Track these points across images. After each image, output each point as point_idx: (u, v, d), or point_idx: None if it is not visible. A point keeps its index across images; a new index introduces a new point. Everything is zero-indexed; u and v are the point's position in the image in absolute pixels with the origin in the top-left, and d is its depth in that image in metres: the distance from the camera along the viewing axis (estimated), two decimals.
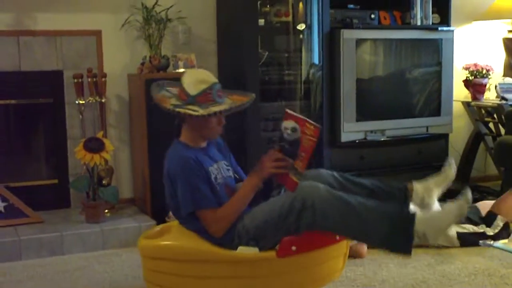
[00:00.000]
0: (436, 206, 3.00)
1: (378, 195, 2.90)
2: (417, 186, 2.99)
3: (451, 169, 3.10)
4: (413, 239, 2.66)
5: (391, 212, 2.69)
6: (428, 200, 2.98)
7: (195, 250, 2.74)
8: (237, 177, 3.01)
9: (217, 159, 2.91)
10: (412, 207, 2.91)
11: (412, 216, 2.67)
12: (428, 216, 2.70)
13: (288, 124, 2.74)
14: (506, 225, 3.98)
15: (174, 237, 2.87)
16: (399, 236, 2.65)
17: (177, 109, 2.74)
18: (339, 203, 2.66)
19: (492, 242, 3.95)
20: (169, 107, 2.77)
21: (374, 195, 2.87)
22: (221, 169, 2.88)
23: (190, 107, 2.73)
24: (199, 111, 2.71)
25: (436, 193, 3.03)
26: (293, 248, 2.70)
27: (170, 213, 3.68)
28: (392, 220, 2.66)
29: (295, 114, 2.78)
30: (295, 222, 2.67)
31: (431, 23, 4.97)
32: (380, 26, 4.84)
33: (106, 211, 4.27)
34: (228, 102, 2.82)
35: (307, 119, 2.73)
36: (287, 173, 2.72)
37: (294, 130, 2.72)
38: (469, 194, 2.70)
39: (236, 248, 2.73)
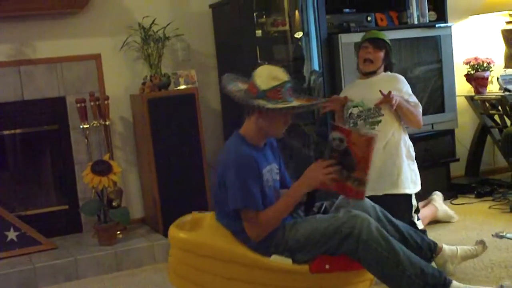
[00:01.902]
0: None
1: (409, 243, 2.93)
2: (446, 250, 3.11)
3: (483, 249, 3.22)
4: None
5: (429, 273, 2.72)
6: (449, 266, 3.13)
7: (229, 251, 2.74)
8: (282, 181, 2.99)
9: (270, 161, 2.88)
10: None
11: (448, 284, 2.71)
12: None
13: (335, 135, 2.75)
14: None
15: (209, 233, 2.84)
16: None
17: (250, 101, 2.70)
18: (385, 245, 2.69)
19: (504, 233, 3.93)
20: (242, 98, 2.73)
21: (405, 242, 2.90)
22: (272, 172, 2.85)
23: (259, 101, 2.69)
24: (268, 105, 2.67)
25: (458, 263, 3.18)
26: (327, 266, 2.73)
27: None
28: (428, 281, 2.69)
29: (340, 125, 2.87)
30: (337, 246, 2.70)
31: (428, 21, 4.98)
32: (378, 28, 4.84)
33: (118, 232, 4.28)
34: (296, 102, 2.78)
35: (355, 129, 2.79)
36: (345, 183, 2.71)
37: (341, 140, 2.73)
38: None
39: (269, 256, 2.74)
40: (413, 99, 3.80)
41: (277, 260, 2.73)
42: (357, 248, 2.67)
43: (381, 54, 3.85)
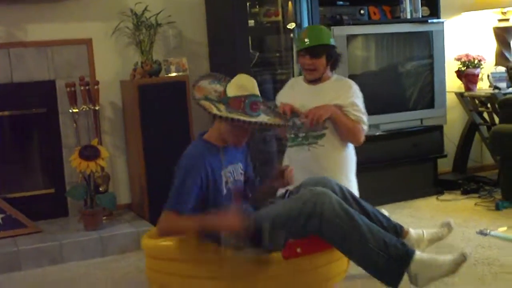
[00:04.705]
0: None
1: (374, 223, 2.90)
2: (412, 234, 3.05)
3: (448, 231, 3.15)
4: (403, 276, 2.70)
5: (392, 244, 2.71)
6: (416, 249, 3.02)
7: (197, 250, 2.74)
8: (248, 181, 3.00)
9: (234, 160, 2.88)
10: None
11: (411, 255, 2.70)
12: (426, 260, 2.71)
13: None
14: None
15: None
16: (392, 270, 2.69)
17: (201, 101, 2.72)
18: (347, 219, 2.69)
19: (488, 231, 3.96)
20: (196, 96, 2.74)
21: (371, 222, 2.88)
22: (234, 172, 2.86)
23: (218, 105, 2.71)
24: (221, 112, 2.68)
25: (425, 247, 3.09)
26: (298, 249, 2.73)
27: None
28: (391, 253, 2.69)
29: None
30: (302, 226, 2.70)
31: (420, 16, 5.00)
32: (370, 21, 4.86)
33: (104, 218, 4.28)
34: (260, 118, 2.75)
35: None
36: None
37: None
38: (467, 252, 2.72)
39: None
40: (357, 112, 3.38)
41: (249, 252, 2.73)
42: (321, 225, 2.67)
43: (322, 60, 3.41)
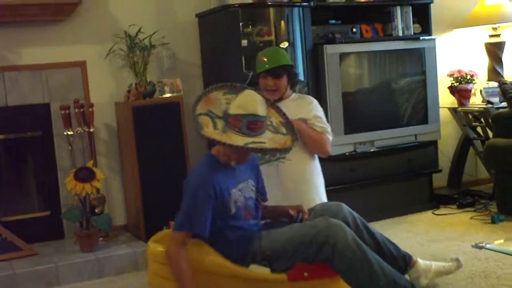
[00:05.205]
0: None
1: (384, 253, 2.96)
2: (420, 264, 3.09)
3: (457, 266, 3.19)
4: None
5: (402, 285, 2.75)
6: (423, 281, 3.09)
7: (207, 262, 2.75)
8: (260, 196, 3.01)
9: (245, 177, 2.89)
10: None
11: None
12: None
13: None
14: None
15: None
16: None
17: (200, 117, 2.72)
18: (360, 254, 2.71)
19: (484, 244, 3.96)
20: (198, 111, 2.74)
21: (380, 251, 2.94)
22: (244, 190, 2.86)
23: (218, 121, 2.73)
24: (216, 129, 2.69)
25: (433, 279, 3.14)
26: (305, 274, 2.75)
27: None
28: None
29: None
30: (314, 254, 2.72)
31: (412, 33, 5.03)
32: (363, 39, 4.89)
33: (100, 239, 4.27)
34: (257, 138, 2.73)
35: None
36: None
37: None
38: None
39: (247, 265, 2.75)
40: (321, 124, 3.49)
41: (255, 269, 2.74)
42: (333, 257, 2.70)
43: (283, 80, 3.50)
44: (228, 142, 2.64)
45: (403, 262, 3.05)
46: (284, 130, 2.88)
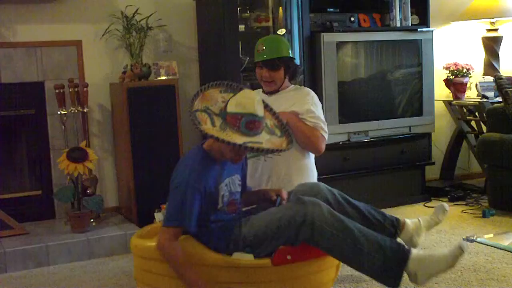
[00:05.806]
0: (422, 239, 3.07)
1: (371, 222, 2.93)
2: (408, 224, 3.04)
3: (444, 214, 3.12)
4: (402, 276, 2.70)
5: (387, 246, 2.72)
6: (416, 238, 3.05)
7: (189, 253, 2.73)
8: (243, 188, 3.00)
9: (232, 172, 2.87)
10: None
11: (407, 254, 2.70)
12: (423, 257, 2.71)
13: None
14: None
15: None
16: (391, 271, 2.70)
17: (197, 113, 2.69)
18: (339, 226, 2.69)
19: (475, 237, 3.98)
20: (195, 107, 2.70)
21: (367, 222, 2.91)
22: (231, 185, 2.85)
23: (215, 119, 2.69)
24: (214, 127, 2.66)
25: (424, 233, 3.08)
26: (288, 257, 2.73)
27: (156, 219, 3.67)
28: (387, 254, 2.70)
29: None
30: (294, 235, 2.70)
31: (410, 24, 5.02)
32: (360, 29, 4.88)
33: (92, 220, 4.26)
34: (256, 138, 2.69)
35: None
36: None
37: None
38: (465, 245, 2.70)
39: (231, 254, 2.74)
40: (314, 119, 3.30)
41: (238, 257, 2.73)
42: (313, 235, 2.68)
43: (280, 72, 3.34)
44: (228, 140, 2.63)
45: (392, 227, 3.00)
46: (278, 133, 2.85)
